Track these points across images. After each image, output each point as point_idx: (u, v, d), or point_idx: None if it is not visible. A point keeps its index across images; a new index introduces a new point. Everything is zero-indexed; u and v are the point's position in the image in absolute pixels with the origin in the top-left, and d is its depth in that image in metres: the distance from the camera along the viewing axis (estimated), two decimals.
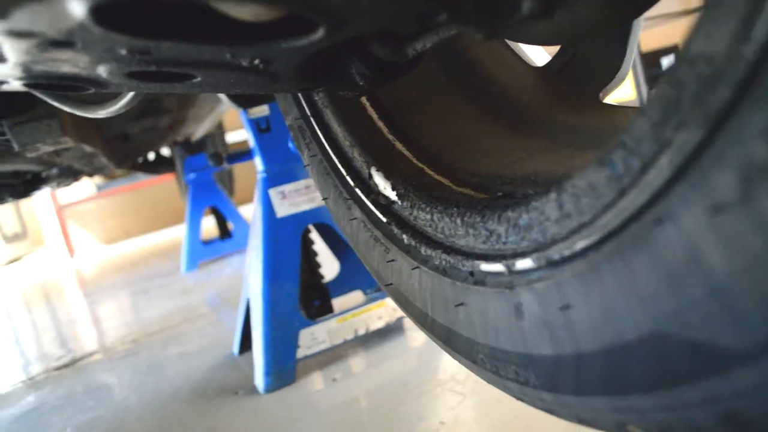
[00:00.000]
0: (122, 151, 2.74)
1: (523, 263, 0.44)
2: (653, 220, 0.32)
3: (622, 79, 0.77)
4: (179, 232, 6.03)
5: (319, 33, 0.38)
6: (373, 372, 1.42)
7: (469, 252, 0.53)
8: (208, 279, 3.10)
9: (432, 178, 0.67)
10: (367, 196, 0.71)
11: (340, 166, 0.76)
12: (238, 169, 4.80)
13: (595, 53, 0.79)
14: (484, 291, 0.50)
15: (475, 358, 0.54)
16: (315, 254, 1.67)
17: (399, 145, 0.74)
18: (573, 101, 0.76)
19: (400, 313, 1.58)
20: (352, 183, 0.74)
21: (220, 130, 4.19)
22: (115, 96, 1.00)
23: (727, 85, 0.27)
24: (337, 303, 1.73)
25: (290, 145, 1.59)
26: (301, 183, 1.55)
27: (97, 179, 6.42)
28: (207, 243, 3.61)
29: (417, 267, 0.62)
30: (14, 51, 0.45)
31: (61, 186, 2.64)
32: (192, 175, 3.50)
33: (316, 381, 1.45)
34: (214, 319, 2.28)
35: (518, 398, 0.51)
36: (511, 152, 0.69)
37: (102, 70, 0.51)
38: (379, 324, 1.55)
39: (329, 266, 1.89)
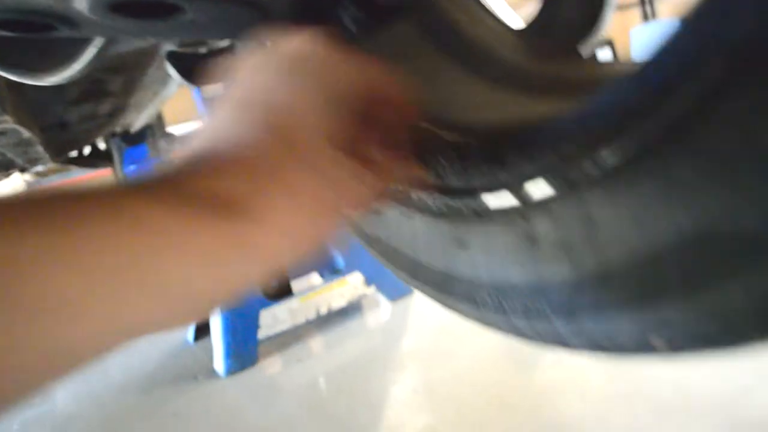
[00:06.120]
0: (59, 141, 2.60)
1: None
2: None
3: (601, 32, 0.77)
4: None
5: None
6: (336, 351, 1.39)
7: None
8: None
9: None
10: None
11: None
12: None
13: (574, 9, 0.79)
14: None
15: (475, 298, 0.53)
16: None
17: None
18: (553, 56, 0.76)
19: (361, 291, 1.56)
20: None
21: (159, 120, 4.06)
22: (68, 61, 0.94)
23: None
24: (295, 285, 1.70)
25: None
26: None
27: (27, 175, 6.09)
28: None
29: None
30: None
31: None
32: (133, 168, 3.38)
33: (278, 362, 1.41)
34: None
35: None
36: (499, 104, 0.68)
37: (82, 2, 0.47)
38: (341, 302, 1.53)
39: None
